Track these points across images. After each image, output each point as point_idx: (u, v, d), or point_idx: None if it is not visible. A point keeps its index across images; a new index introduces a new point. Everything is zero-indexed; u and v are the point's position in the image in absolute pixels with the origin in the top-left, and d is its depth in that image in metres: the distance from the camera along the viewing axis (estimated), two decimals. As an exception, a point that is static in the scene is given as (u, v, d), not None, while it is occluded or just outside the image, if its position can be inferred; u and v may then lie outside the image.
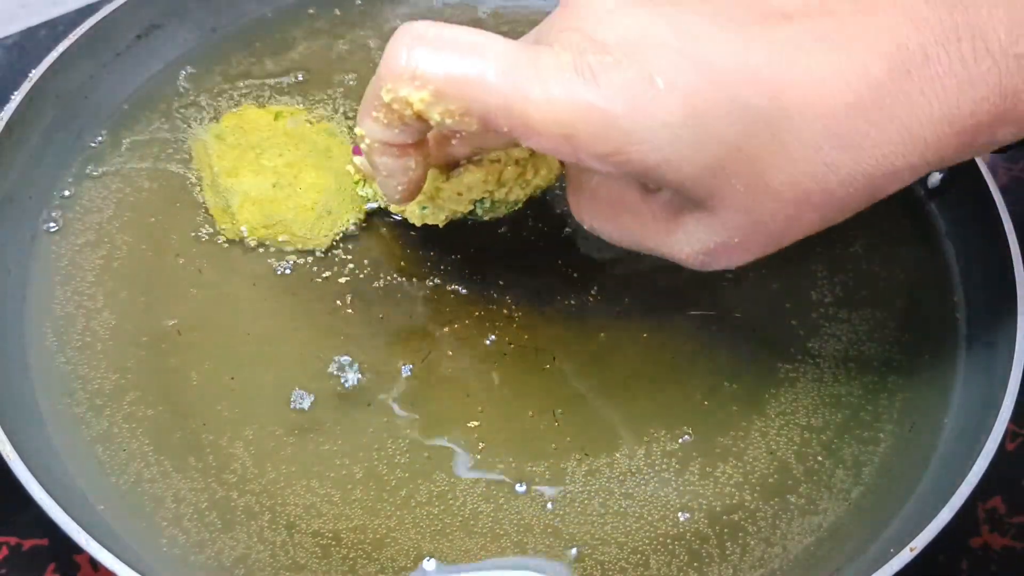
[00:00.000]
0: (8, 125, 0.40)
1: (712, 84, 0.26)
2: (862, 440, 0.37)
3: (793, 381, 0.39)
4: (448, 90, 0.27)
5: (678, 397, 0.38)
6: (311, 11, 0.49)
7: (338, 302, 0.39)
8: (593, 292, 0.40)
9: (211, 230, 0.41)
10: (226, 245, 0.41)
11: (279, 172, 0.42)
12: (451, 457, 0.36)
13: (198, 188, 0.42)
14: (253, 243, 0.41)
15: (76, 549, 0.32)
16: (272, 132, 0.43)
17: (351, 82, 0.46)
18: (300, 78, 0.46)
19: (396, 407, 0.37)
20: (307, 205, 0.41)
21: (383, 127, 0.30)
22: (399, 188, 0.33)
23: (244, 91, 0.46)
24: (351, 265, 0.40)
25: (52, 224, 0.41)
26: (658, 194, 0.31)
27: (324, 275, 0.40)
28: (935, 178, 0.43)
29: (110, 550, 0.31)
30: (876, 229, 0.43)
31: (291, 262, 0.40)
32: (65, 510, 0.31)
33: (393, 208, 0.39)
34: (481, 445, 0.36)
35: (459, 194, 0.37)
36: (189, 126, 0.44)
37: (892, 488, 0.36)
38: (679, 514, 0.35)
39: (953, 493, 0.33)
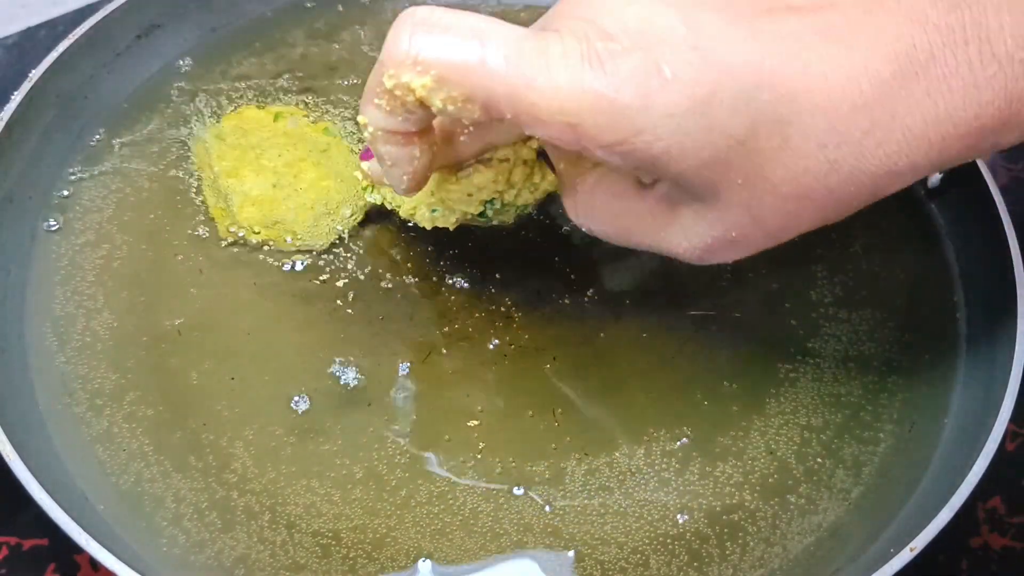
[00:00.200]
0: (8, 125, 0.40)
1: (719, 77, 0.26)
2: (862, 440, 0.37)
3: (793, 381, 0.39)
4: (450, 76, 0.27)
5: (678, 397, 0.38)
6: (311, 11, 0.49)
7: (338, 302, 0.39)
8: (592, 292, 0.40)
9: (211, 230, 0.41)
10: (226, 245, 0.41)
11: (279, 172, 0.42)
12: (451, 457, 0.36)
13: (198, 188, 0.42)
14: (253, 243, 0.41)
15: (76, 549, 0.32)
16: (272, 132, 0.43)
17: (351, 82, 0.46)
18: (300, 78, 0.46)
19: (396, 407, 0.37)
20: (307, 205, 0.41)
21: (386, 114, 0.29)
22: (404, 178, 0.32)
23: (244, 91, 0.46)
24: (351, 265, 0.40)
25: (52, 224, 0.41)
26: (654, 189, 0.31)
27: (324, 275, 0.40)
28: (935, 178, 0.43)
29: (110, 550, 0.31)
30: (876, 229, 0.43)
31: (291, 262, 0.40)
32: (65, 510, 0.31)
33: (403, 213, 0.39)
34: (481, 445, 0.36)
35: (469, 195, 0.36)
36: (189, 126, 0.44)
37: (892, 488, 0.36)
38: (679, 514, 0.35)
39: (953, 493, 0.33)
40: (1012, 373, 0.35)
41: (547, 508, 0.35)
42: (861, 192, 0.28)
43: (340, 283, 0.40)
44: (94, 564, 0.37)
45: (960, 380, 0.39)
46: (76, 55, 0.43)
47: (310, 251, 0.41)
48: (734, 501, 0.36)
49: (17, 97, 0.40)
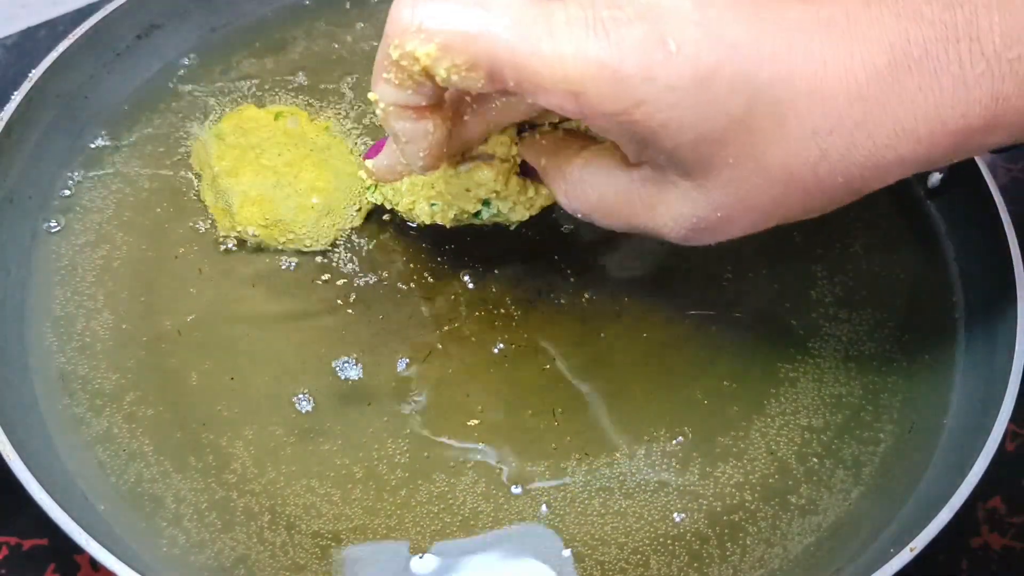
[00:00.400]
0: (8, 125, 0.40)
1: (721, 54, 0.27)
2: (862, 440, 0.37)
3: (793, 381, 0.39)
4: (454, 43, 0.27)
5: (678, 397, 0.38)
6: (311, 11, 0.49)
7: (338, 302, 0.39)
8: (593, 292, 0.40)
9: (211, 230, 0.41)
10: (226, 245, 0.41)
11: (279, 172, 0.42)
12: (451, 457, 0.36)
13: (198, 188, 0.42)
14: (253, 243, 0.41)
15: (76, 549, 0.32)
16: (272, 132, 0.43)
17: (351, 82, 0.46)
18: (300, 78, 0.46)
19: (396, 407, 0.37)
20: (307, 205, 0.41)
21: (395, 88, 0.29)
22: (420, 154, 0.32)
23: (244, 91, 0.46)
24: (351, 265, 0.40)
25: (52, 224, 0.41)
26: (642, 169, 0.31)
27: (324, 275, 0.40)
28: (935, 178, 0.43)
29: (110, 550, 0.31)
30: (876, 229, 0.43)
31: (291, 262, 0.40)
32: (65, 510, 0.31)
33: (402, 208, 0.39)
34: (481, 445, 0.36)
35: (468, 190, 0.37)
36: (189, 126, 0.44)
37: (892, 488, 0.36)
38: (679, 514, 0.35)
39: (953, 493, 0.33)
40: (1012, 373, 0.35)
41: (547, 508, 0.35)
42: (847, 184, 0.28)
43: (340, 283, 0.40)
44: (94, 564, 0.37)
45: (960, 380, 0.39)
46: (76, 55, 0.43)
47: (310, 251, 0.41)
48: (734, 501, 0.36)
49: (17, 97, 0.40)
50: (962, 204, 0.42)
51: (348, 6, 0.49)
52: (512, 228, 0.39)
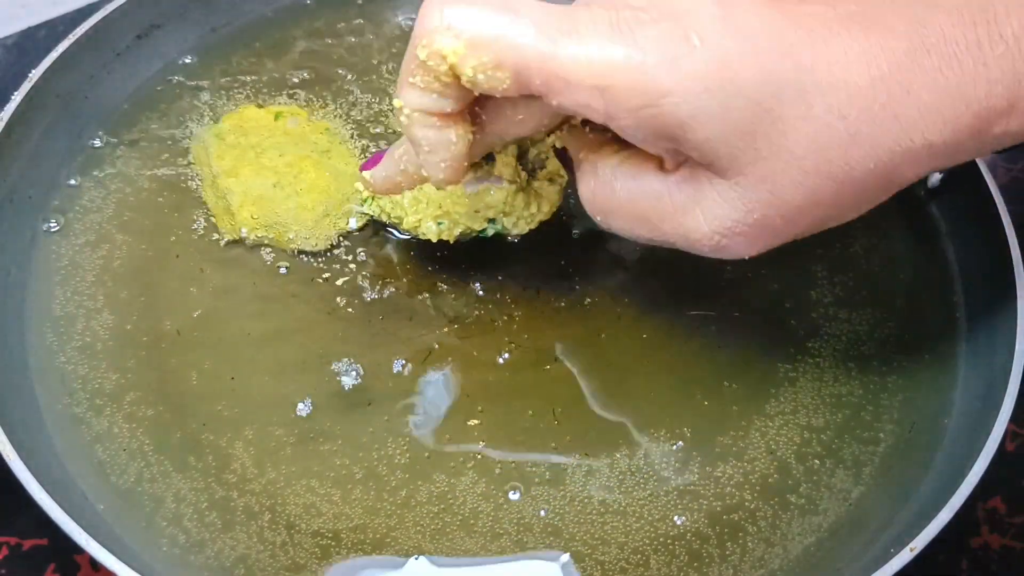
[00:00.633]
0: (8, 125, 0.40)
1: (745, 46, 0.27)
2: (862, 440, 0.37)
3: (793, 381, 0.39)
4: (482, 41, 0.28)
5: (678, 397, 0.38)
6: (311, 10, 0.49)
7: (338, 302, 0.39)
8: (593, 292, 0.40)
9: (211, 230, 0.41)
10: (226, 245, 0.41)
11: (279, 172, 0.42)
12: (451, 457, 0.36)
13: (198, 188, 0.42)
14: (253, 243, 0.41)
15: (76, 549, 0.32)
16: (272, 132, 0.43)
17: (351, 82, 0.46)
18: (300, 77, 0.46)
19: (396, 407, 0.37)
20: (307, 205, 0.41)
21: (421, 92, 0.30)
22: (442, 164, 0.32)
23: (244, 91, 0.46)
24: (351, 265, 0.40)
25: (52, 224, 0.41)
26: (677, 173, 0.31)
27: (324, 275, 0.40)
28: (935, 178, 0.43)
29: (110, 550, 0.31)
30: (876, 229, 0.43)
31: (291, 262, 0.40)
32: (65, 510, 0.31)
33: (406, 226, 0.39)
34: (481, 445, 0.36)
35: (476, 211, 0.38)
36: (189, 126, 0.44)
37: (892, 488, 0.36)
38: (679, 514, 0.35)
39: (953, 493, 0.33)
40: (1012, 373, 0.35)
41: (547, 508, 0.35)
42: (878, 171, 0.28)
43: (340, 283, 0.40)
44: (94, 564, 0.37)
45: (960, 380, 0.39)
46: (76, 55, 0.43)
47: (310, 251, 0.41)
48: (734, 501, 0.36)
49: (17, 97, 0.40)
50: (962, 204, 0.42)
51: (348, 6, 0.49)
52: (513, 240, 0.39)
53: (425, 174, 0.33)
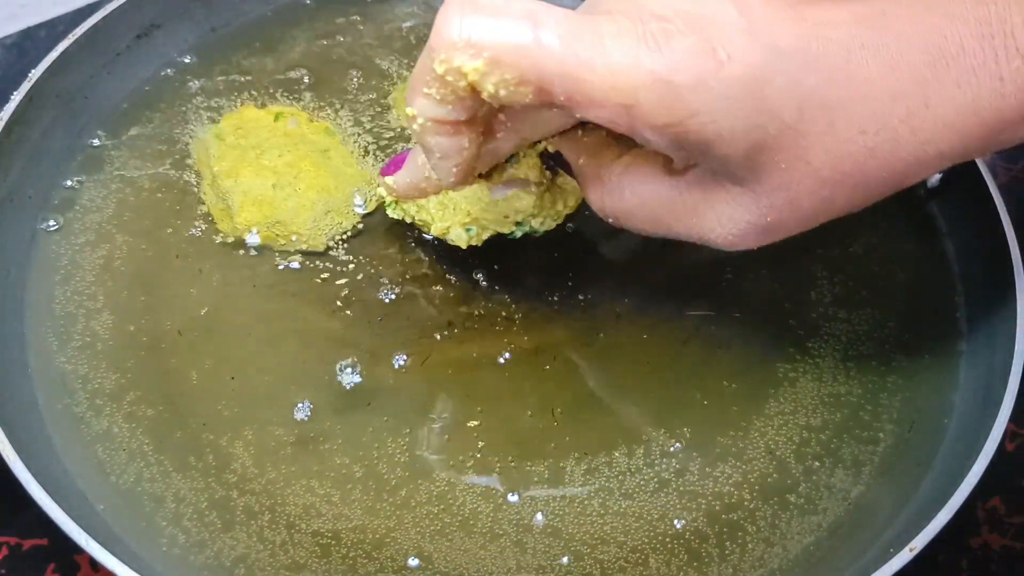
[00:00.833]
0: (8, 125, 0.40)
1: (770, 60, 0.27)
2: (862, 440, 0.37)
3: (793, 381, 0.39)
4: (504, 58, 0.26)
5: (678, 397, 0.38)
6: (311, 10, 0.49)
7: (338, 302, 0.39)
8: (593, 292, 0.40)
9: (211, 230, 0.41)
10: (226, 245, 0.41)
11: (279, 172, 0.42)
12: (451, 457, 0.36)
13: (198, 188, 0.42)
14: (253, 243, 0.41)
15: (76, 549, 0.32)
16: (272, 132, 0.43)
17: (351, 81, 0.46)
18: (300, 78, 0.46)
19: (396, 407, 0.37)
20: (307, 205, 0.41)
21: (435, 103, 0.29)
22: (454, 169, 0.31)
23: (244, 91, 0.46)
24: (351, 265, 0.40)
25: (52, 224, 0.41)
26: (686, 174, 0.31)
27: (324, 275, 0.40)
28: (935, 178, 0.43)
29: (110, 550, 0.31)
30: (876, 229, 0.43)
31: (291, 262, 0.40)
32: (65, 510, 0.31)
33: (435, 231, 0.39)
34: (481, 445, 0.36)
35: (506, 216, 0.37)
36: (189, 126, 0.44)
37: (892, 488, 0.36)
38: (678, 514, 0.35)
39: (953, 493, 0.33)
40: (1012, 373, 0.35)
41: (546, 508, 0.35)
42: (890, 178, 0.29)
43: (340, 283, 0.40)
44: (94, 564, 0.37)
45: (960, 380, 0.39)
46: (76, 55, 0.43)
47: (310, 251, 0.41)
48: (733, 501, 0.36)
49: (17, 97, 0.40)
50: (962, 204, 0.42)
51: (348, 6, 0.49)
52: (539, 236, 0.39)
53: (435, 178, 0.32)
